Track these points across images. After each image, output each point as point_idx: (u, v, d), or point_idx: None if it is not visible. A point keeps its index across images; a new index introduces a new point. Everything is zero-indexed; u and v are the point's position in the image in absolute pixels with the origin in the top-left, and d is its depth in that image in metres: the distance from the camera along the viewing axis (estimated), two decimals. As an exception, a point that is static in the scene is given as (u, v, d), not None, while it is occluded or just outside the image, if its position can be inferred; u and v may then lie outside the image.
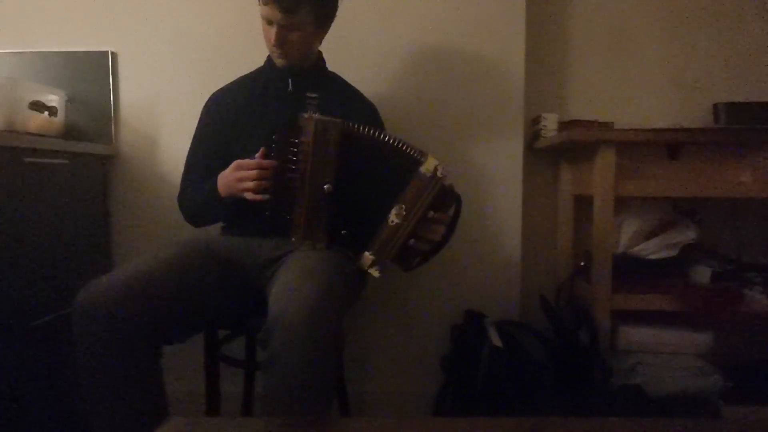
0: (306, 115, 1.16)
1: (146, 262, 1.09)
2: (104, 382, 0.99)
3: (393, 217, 1.15)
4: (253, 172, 1.16)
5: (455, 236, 1.65)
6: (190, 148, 1.39)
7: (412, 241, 1.17)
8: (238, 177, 1.18)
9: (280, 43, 1.24)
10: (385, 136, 1.17)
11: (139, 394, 1.02)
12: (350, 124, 1.17)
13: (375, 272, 1.19)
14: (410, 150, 1.16)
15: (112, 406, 1.00)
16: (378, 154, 1.18)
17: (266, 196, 1.17)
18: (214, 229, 1.40)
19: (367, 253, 1.18)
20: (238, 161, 1.19)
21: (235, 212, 1.27)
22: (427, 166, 1.14)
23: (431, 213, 1.16)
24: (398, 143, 1.17)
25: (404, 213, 1.15)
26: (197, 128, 1.40)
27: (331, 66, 1.45)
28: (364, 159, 1.18)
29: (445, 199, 1.19)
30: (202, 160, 1.36)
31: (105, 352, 0.99)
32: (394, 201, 1.16)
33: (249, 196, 1.17)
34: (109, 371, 0.99)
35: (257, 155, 1.17)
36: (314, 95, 1.20)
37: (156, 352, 1.07)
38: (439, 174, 1.14)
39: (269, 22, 1.24)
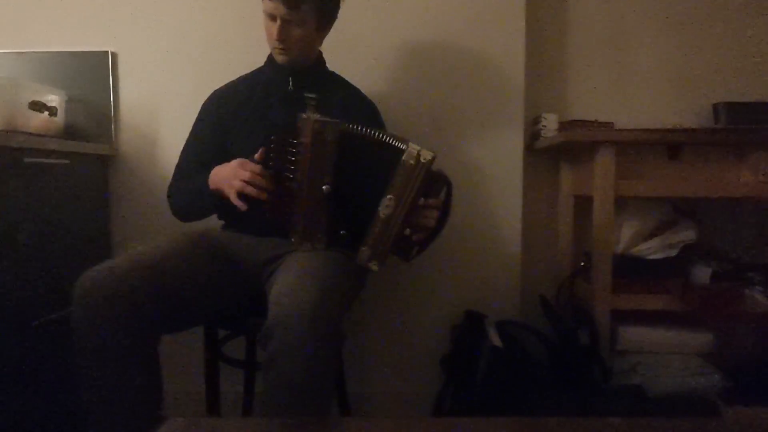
0: (304, 116, 1.16)
1: (147, 251, 1.10)
2: (102, 368, 1.00)
3: (383, 209, 1.15)
4: (247, 174, 1.14)
5: (455, 236, 1.68)
6: (186, 142, 1.39)
7: (407, 230, 1.16)
8: (236, 173, 1.16)
9: (282, 38, 1.25)
10: (375, 133, 1.16)
11: (136, 376, 1.02)
12: (348, 125, 1.16)
13: (374, 266, 1.18)
14: (393, 141, 1.15)
15: (110, 391, 1.00)
16: (371, 151, 1.17)
17: (242, 205, 1.15)
18: (215, 226, 1.40)
19: (363, 248, 1.17)
20: (243, 160, 1.18)
21: (227, 209, 1.26)
22: (410, 153, 1.13)
23: (422, 200, 1.16)
24: (382, 136, 1.16)
25: (394, 204, 1.14)
26: (195, 123, 1.40)
27: (331, 65, 1.45)
28: (360, 158, 1.18)
29: (434, 184, 1.18)
30: (197, 154, 1.36)
31: (103, 335, 0.99)
32: (384, 193, 1.15)
33: (232, 195, 1.16)
34: (106, 354, 1.00)
35: (256, 156, 1.17)
36: (312, 95, 1.19)
37: (154, 338, 1.07)
38: (422, 160, 1.12)
39: (272, 18, 1.24)
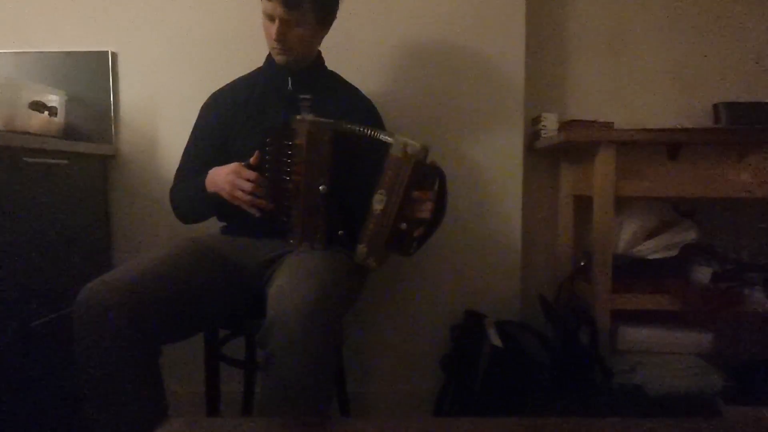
0: (299, 118, 1.15)
1: (146, 262, 1.09)
2: (104, 381, 0.99)
3: (376, 205, 1.14)
4: (249, 185, 1.15)
5: (455, 236, 1.68)
6: (187, 145, 1.39)
7: (403, 225, 1.15)
8: (234, 182, 1.16)
9: (281, 38, 1.24)
10: (367, 130, 1.16)
11: (138, 392, 1.02)
12: (343, 124, 1.16)
13: (372, 263, 1.17)
14: (380, 135, 1.15)
15: (112, 405, 1.00)
16: (365, 149, 1.17)
17: (257, 212, 1.17)
18: (214, 229, 1.40)
19: (359, 246, 1.17)
20: (239, 167, 1.18)
21: (229, 212, 1.26)
22: (396, 146, 1.12)
23: (414, 193, 1.14)
24: (371, 132, 1.15)
25: (385, 198, 1.13)
26: (195, 125, 1.40)
27: (330, 65, 1.45)
28: (356, 157, 1.17)
29: (426, 176, 1.16)
30: (198, 157, 1.36)
31: (105, 350, 0.99)
32: (375, 189, 1.14)
33: (245, 207, 1.17)
34: (108, 370, 0.99)
35: (251, 159, 1.17)
36: (307, 96, 1.19)
37: (155, 351, 1.07)
38: (409, 152, 1.11)
39: (271, 18, 1.24)
